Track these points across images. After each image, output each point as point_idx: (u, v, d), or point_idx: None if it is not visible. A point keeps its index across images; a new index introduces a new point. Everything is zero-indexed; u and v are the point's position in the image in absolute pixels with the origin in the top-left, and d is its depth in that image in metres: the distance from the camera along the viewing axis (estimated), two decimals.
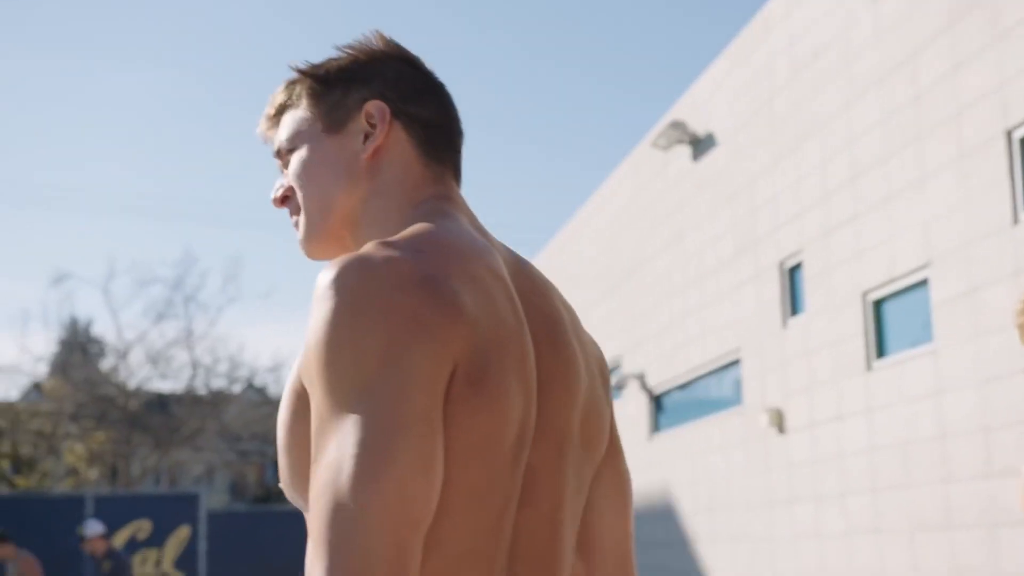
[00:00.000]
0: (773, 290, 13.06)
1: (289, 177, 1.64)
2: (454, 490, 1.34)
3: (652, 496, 16.42)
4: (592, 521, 1.65)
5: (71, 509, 23.07)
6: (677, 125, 15.29)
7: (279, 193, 1.66)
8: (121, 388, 35.59)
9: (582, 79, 75.44)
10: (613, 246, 18.22)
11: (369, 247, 1.38)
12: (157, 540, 23.33)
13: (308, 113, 1.63)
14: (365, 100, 1.61)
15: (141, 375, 36.28)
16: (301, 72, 1.65)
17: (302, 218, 1.63)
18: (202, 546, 26.52)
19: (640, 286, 17.04)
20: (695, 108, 15.31)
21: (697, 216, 15.12)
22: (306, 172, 1.61)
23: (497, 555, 1.40)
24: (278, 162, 1.68)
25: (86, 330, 40.87)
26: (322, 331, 1.30)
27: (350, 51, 1.65)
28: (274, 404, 39.78)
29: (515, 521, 1.44)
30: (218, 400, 37.09)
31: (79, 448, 36.65)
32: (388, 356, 1.28)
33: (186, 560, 24.15)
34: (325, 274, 1.34)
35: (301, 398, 1.46)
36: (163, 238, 67.47)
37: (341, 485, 1.23)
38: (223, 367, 37.42)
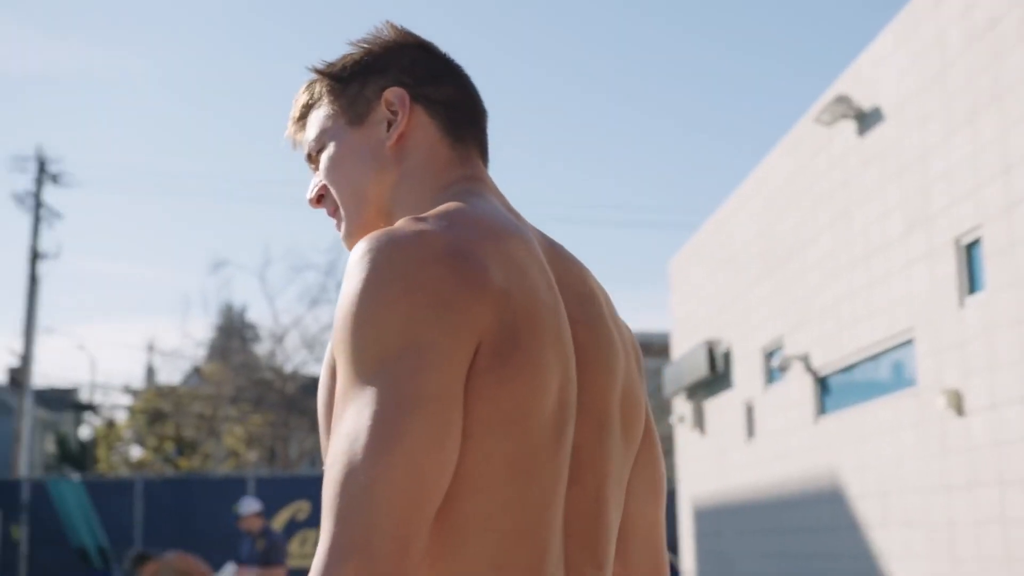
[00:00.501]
0: (948, 267, 12.68)
1: (321, 175, 1.65)
2: (493, 464, 1.35)
3: (818, 479, 16.14)
4: (628, 507, 1.66)
5: (233, 490, 23.60)
6: (842, 100, 14.96)
7: (314, 193, 1.67)
8: (278, 372, 36.30)
9: (738, 56, 74.50)
10: (772, 225, 17.93)
11: (401, 222, 1.40)
12: (316, 521, 23.72)
13: (330, 110, 1.65)
14: (383, 89, 1.62)
15: (297, 359, 36.98)
16: (318, 71, 1.67)
17: (341, 214, 1.65)
18: None
19: (802, 266, 16.74)
20: (860, 82, 14.96)
21: (863, 193, 14.79)
22: (336, 167, 1.62)
23: (551, 535, 1.40)
24: (310, 166, 1.69)
25: (242, 316, 41.81)
26: (348, 305, 1.33)
27: (363, 44, 1.66)
28: None
29: (567, 501, 1.45)
30: None
31: (238, 430, 37.53)
32: (407, 332, 1.29)
33: None
34: (356, 248, 1.36)
35: (334, 375, 1.46)
36: (316, 225, 68.69)
37: (354, 456, 1.26)
38: None
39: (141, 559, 11.64)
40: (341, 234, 1.66)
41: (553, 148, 72.83)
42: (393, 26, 1.67)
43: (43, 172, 33.00)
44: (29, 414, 32.29)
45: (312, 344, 36.69)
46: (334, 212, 1.67)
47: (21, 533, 23.73)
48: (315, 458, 38.31)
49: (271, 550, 10.49)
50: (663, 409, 36.27)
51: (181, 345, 62.40)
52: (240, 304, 38.98)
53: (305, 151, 1.70)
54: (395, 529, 1.24)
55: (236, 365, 37.33)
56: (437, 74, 1.64)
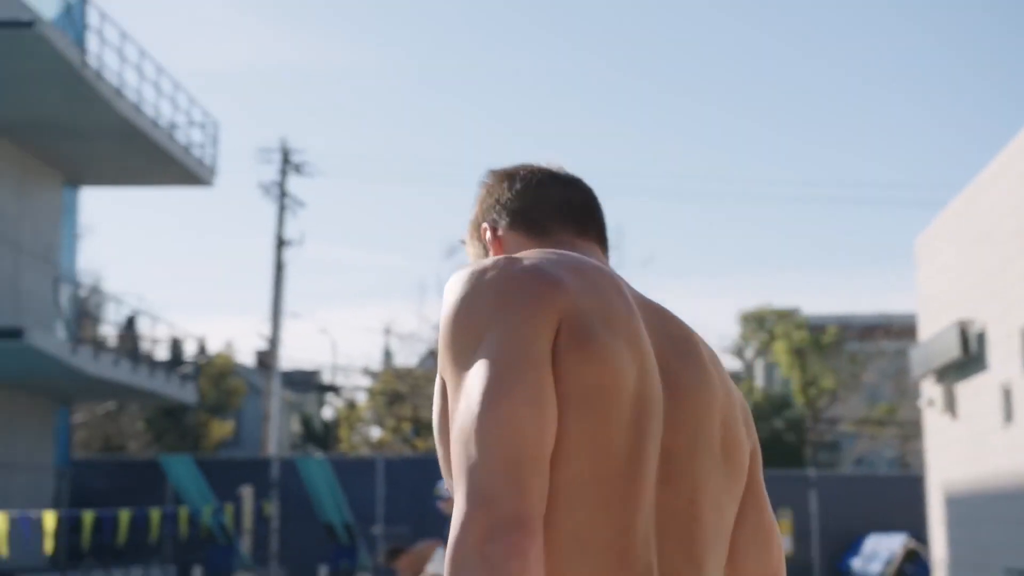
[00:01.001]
0: None
1: None
2: (574, 436, 1.50)
3: None
4: (736, 558, 1.75)
5: None
6: None
7: None
8: None
9: (989, 21, 71.35)
10: None
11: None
12: None
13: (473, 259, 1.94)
14: (481, 225, 1.91)
15: None
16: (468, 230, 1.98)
17: None
18: None
19: None
20: None
21: None
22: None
23: (635, 515, 1.51)
24: None
25: None
26: (447, 313, 1.58)
27: (478, 198, 1.95)
28: None
29: (657, 499, 1.56)
30: None
31: None
32: (497, 315, 1.53)
33: None
34: (454, 275, 1.62)
35: (445, 396, 1.64)
36: None
37: (468, 423, 1.46)
38: None
39: (395, 553, 11.83)
40: None
41: (794, 125, 71.25)
42: (493, 171, 1.95)
43: (287, 163, 34.11)
44: (277, 395, 33.48)
45: None
46: None
47: (272, 509, 24.59)
48: None
49: None
50: (909, 393, 35.03)
51: (418, 328, 63.73)
52: None
53: None
54: (513, 476, 1.43)
55: None
56: (519, 191, 1.90)
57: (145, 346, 27.85)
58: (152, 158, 24.02)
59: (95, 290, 29.54)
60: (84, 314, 26.72)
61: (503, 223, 1.89)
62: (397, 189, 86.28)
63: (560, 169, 1.95)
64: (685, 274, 71.75)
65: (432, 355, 41.16)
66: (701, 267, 72.37)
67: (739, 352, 43.74)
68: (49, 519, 15.43)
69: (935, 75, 72.42)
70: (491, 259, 1.64)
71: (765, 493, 1.79)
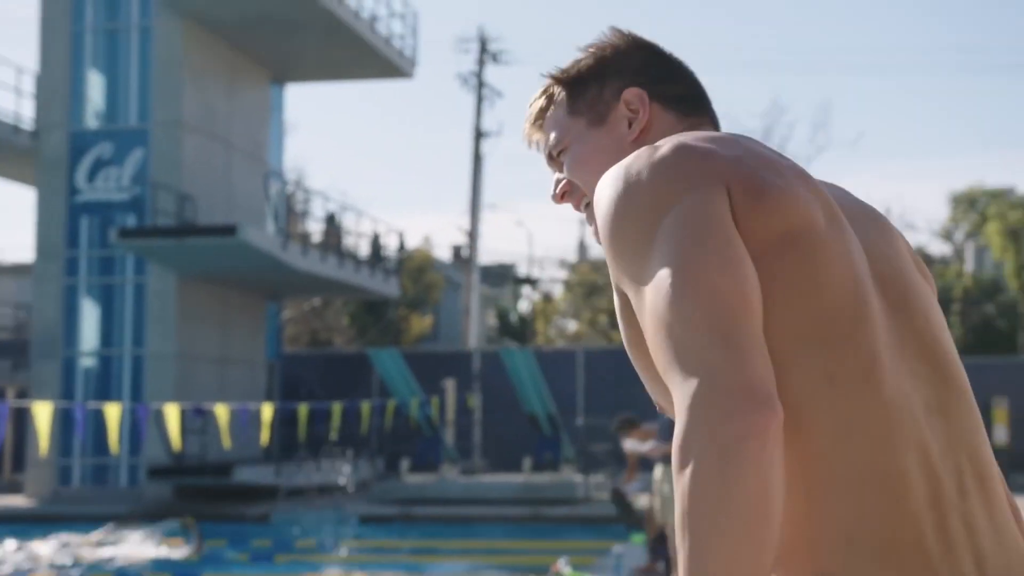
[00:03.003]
0: None
1: (568, 173, 1.73)
2: (785, 283, 1.39)
3: None
4: None
5: None
6: None
7: (559, 190, 1.76)
8: None
9: None
10: None
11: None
12: None
13: (569, 113, 1.73)
14: (621, 90, 1.71)
15: None
16: (555, 78, 1.76)
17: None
18: None
19: None
20: None
21: None
22: (583, 165, 1.71)
23: (873, 341, 1.40)
24: (551, 165, 1.78)
25: None
26: (604, 215, 1.46)
27: (594, 49, 1.75)
28: None
29: (892, 325, 1.44)
30: None
31: None
32: (661, 198, 1.41)
33: None
34: (603, 178, 1.51)
35: (623, 297, 1.51)
36: (751, 90, 67.56)
37: (661, 310, 1.33)
38: None
39: (629, 423, 11.78)
40: (592, 228, 1.73)
41: None
42: (619, 31, 1.77)
43: (484, 52, 33.88)
44: (476, 289, 33.70)
45: None
46: (579, 205, 1.75)
47: (475, 401, 24.84)
48: None
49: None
50: None
51: None
52: None
53: (545, 152, 1.78)
54: (728, 345, 1.28)
55: None
56: (667, 73, 1.74)
57: (348, 242, 28.22)
58: (354, 51, 24.07)
59: (300, 186, 30.03)
60: (290, 211, 27.19)
61: (657, 101, 1.71)
62: None
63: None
64: (894, 155, 69.37)
65: None
66: (910, 148, 69.90)
67: (948, 236, 42.17)
68: (267, 411, 15.78)
69: None
70: (632, 155, 1.52)
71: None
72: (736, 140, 1.54)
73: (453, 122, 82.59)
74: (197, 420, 20.47)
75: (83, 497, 21.36)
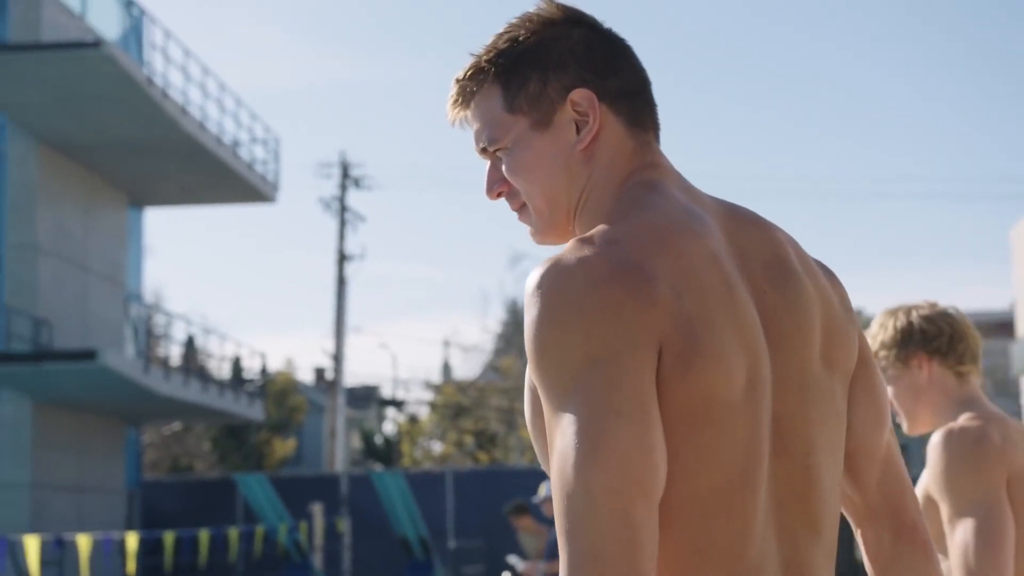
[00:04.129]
0: None
1: (508, 175, 1.62)
2: (687, 455, 1.42)
3: None
4: (851, 438, 1.64)
5: (531, 481, 23.64)
6: None
7: (496, 189, 1.65)
8: None
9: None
10: None
11: (568, 246, 1.47)
12: None
13: (508, 108, 1.59)
14: (567, 88, 1.57)
15: None
16: (489, 62, 1.59)
17: (531, 215, 1.65)
18: None
19: None
20: None
21: None
22: (527, 171, 1.60)
23: (751, 509, 1.45)
24: (482, 156, 1.66)
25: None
26: (530, 334, 1.42)
27: (530, 29, 1.59)
28: None
29: (773, 472, 1.48)
30: None
31: None
32: (591, 351, 1.38)
33: None
34: (530, 280, 1.44)
35: (533, 392, 1.55)
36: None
37: (568, 475, 1.35)
38: None
39: (521, 509, 11.76)
40: (530, 230, 1.68)
41: (881, 121, 70.33)
42: (556, 5, 1.61)
43: (346, 176, 34.01)
44: (342, 411, 33.35)
45: None
46: (520, 208, 1.65)
47: (344, 526, 24.41)
48: None
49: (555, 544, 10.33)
50: (1007, 389, 34.35)
51: (480, 340, 63.64)
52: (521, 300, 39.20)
53: (479, 145, 1.65)
54: (622, 534, 1.33)
55: None
56: (612, 61, 1.60)
57: (210, 365, 27.77)
58: (216, 175, 23.97)
59: (160, 309, 29.54)
60: (151, 334, 26.70)
61: (605, 102, 1.59)
62: (456, 199, 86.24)
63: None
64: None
65: (493, 368, 40.95)
66: None
67: None
68: (131, 540, 15.29)
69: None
70: (567, 258, 1.45)
71: (872, 359, 1.70)
72: (679, 244, 1.49)
73: (316, 245, 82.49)
74: (56, 551, 19.71)
75: None
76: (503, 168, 1.64)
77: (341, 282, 33.40)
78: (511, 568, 11.98)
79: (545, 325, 1.42)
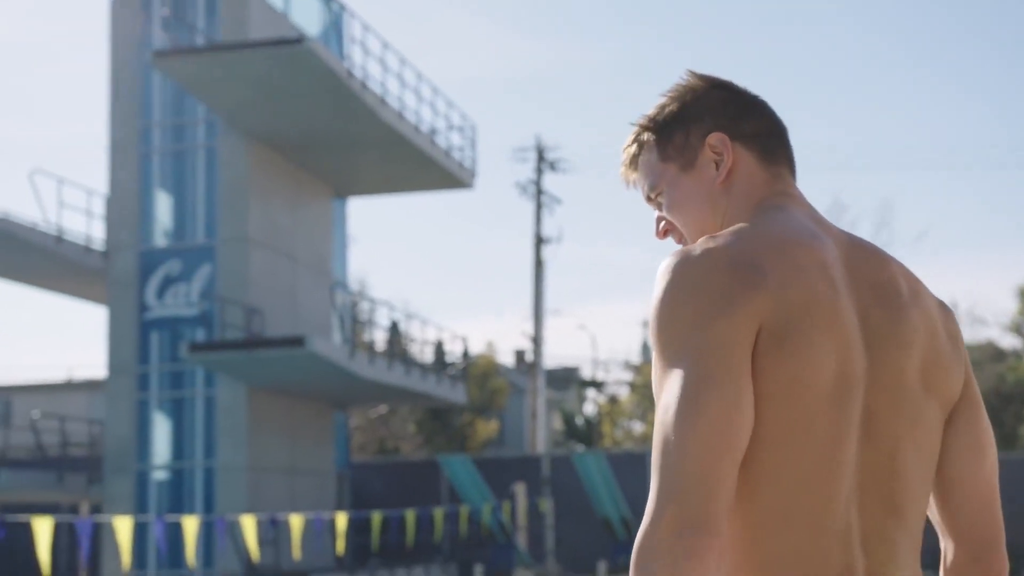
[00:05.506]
0: None
1: (667, 214, 1.95)
2: (773, 427, 1.66)
3: None
4: (948, 466, 1.83)
5: None
6: None
7: (661, 227, 1.99)
8: None
9: None
10: None
11: (699, 241, 1.76)
12: None
13: (661, 159, 1.93)
14: (706, 135, 1.89)
15: None
16: (643, 126, 1.95)
17: (688, 243, 1.94)
18: None
19: None
20: None
21: None
22: (679, 208, 1.93)
23: (834, 484, 1.68)
24: (649, 204, 1.99)
25: None
26: (654, 307, 1.71)
27: (675, 95, 1.93)
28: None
29: (860, 458, 1.71)
30: None
31: None
32: (696, 324, 1.65)
33: None
34: (662, 264, 1.73)
35: None
36: (812, 190, 67.47)
37: (667, 424, 1.63)
38: None
39: None
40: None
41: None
42: (695, 74, 1.95)
43: (542, 160, 34.28)
44: (542, 393, 33.69)
45: None
46: (680, 240, 1.97)
47: (547, 505, 24.70)
48: None
49: None
50: None
51: None
52: None
53: (644, 194, 1.98)
54: (702, 478, 1.58)
55: None
56: (745, 110, 1.92)
57: (413, 349, 28.39)
58: (414, 164, 24.49)
59: (364, 296, 30.35)
60: (356, 320, 27.46)
61: (738, 141, 1.90)
62: None
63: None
64: (959, 249, 68.82)
65: None
66: (976, 240, 69.32)
67: (1018, 329, 41.63)
68: (341, 520, 15.81)
69: None
70: (694, 249, 1.73)
71: (980, 402, 1.87)
72: (790, 249, 1.74)
73: (513, 229, 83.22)
74: (271, 531, 20.54)
75: None
76: (663, 209, 1.97)
77: (539, 265, 33.71)
78: None
79: (666, 300, 1.70)
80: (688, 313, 1.67)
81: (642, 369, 41.25)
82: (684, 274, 1.70)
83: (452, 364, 32.28)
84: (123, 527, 12.11)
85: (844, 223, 62.35)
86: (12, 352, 76.27)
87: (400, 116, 22.74)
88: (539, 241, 33.75)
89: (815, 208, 1.90)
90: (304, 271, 24.06)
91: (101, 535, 20.15)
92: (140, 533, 20.86)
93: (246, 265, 22.09)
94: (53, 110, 78.12)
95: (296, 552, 16.65)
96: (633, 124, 1.98)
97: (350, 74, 20.90)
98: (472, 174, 26.47)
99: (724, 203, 1.90)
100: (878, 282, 1.81)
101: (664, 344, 1.69)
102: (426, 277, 76.06)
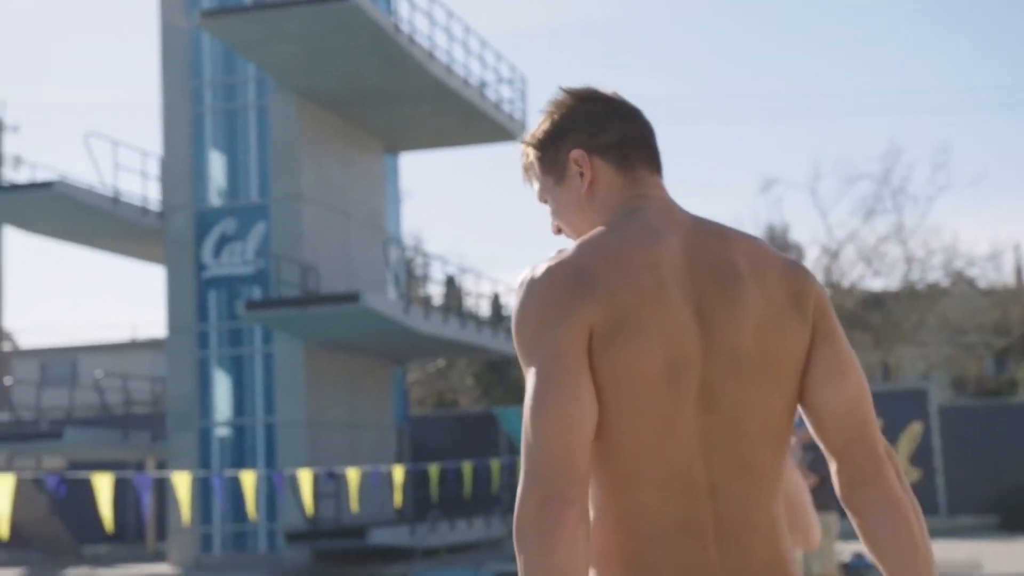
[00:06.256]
0: None
1: (553, 218, 2.31)
2: (615, 409, 2.02)
3: None
4: (812, 393, 2.11)
5: None
6: None
7: (555, 230, 2.33)
8: (835, 288, 35.60)
9: None
10: None
11: (550, 257, 2.12)
12: (889, 437, 22.98)
13: (542, 172, 2.29)
14: (570, 150, 2.22)
15: (854, 274, 36.03)
16: (528, 143, 2.30)
17: (573, 238, 2.30)
18: (936, 442, 25.84)
19: None
20: None
21: None
22: (559, 215, 2.28)
23: (673, 449, 2.03)
24: (542, 202, 2.33)
25: (784, 235, 41.43)
26: (512, 318, 2.10)
27: (548, 113, 2.27)
28: (995, 295, 37.85)
29: (703, 425, 2.04)
30: (935, 294, 35.93)
31: None
32: (538, 333, 2.03)
33: (920, 456, 23.62)
34: (519, 277, 2.11)
35: None
36: (868, 134, 66.85)
37: (525, 419, 2.01)
38: (937, 259, 36.16)
39: None
40: None
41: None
42: (565, 90, 2.28)
43: None
44: None
45: (869, 258, 35.57)
46: (569, 236, 2.31)
47: None
48: (878, 373, 37.24)
49: (816, 463, 10.31)
50: None
51: None
52: (782, 223, 38.30)
53: (536, 197, 2.34)
54: (555, 459, 1.96)
55: None
56: (604, 123, 2.23)
57: (469, 303, 28.48)
58: (464, 117, 24.50)
59: (419, 251, 30.49)
60: (410, 275, 27.59)
61: (596, 154, 2.22)
62: (701, 130, 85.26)
63: (624, 99, 2.28)
64: (1017, 192, 67.78)
65: None
66: None
67: None
68: (398, 473, 16.00)
69: None
70: (543, 264, 2.09)
71: (839, 331, 2.15)
72: (627, 256, 2.06)
73: None
74: (330, 484, 20.82)
75: (224, 564, 21.82)
76: (550, 213, 2.33)
77: None
78: None
79: (518, 310, 2.08)
80: (532, 324, 2.05)
81: None
82: (530, 290, 2.07)
83: (508, 317, 32.35)
84: (182, 483, 12.34)
85: (901, 166, 61.66)
86: (79, 313, 77.42)
87: (449, 70, 22.74)
88: None
89: (670, 201, 2.21)
90: (358, 227, 24.20)
91: (166, 490, 20.51)
92: (204, 488, 21.24)
93: (300, 222, 22.26)
94: (107, 73, 78.80)
95: (354, 505, 16.87)
96: (520, 141, 2.36)
97: (397, 29, 20.90)
98: (522, 126, 26.42)
99: (590, 209, 2.23)
100: (717, 263, 2.10)
101: (520, 350, 2.07)
102: (480, 231, 76.18)
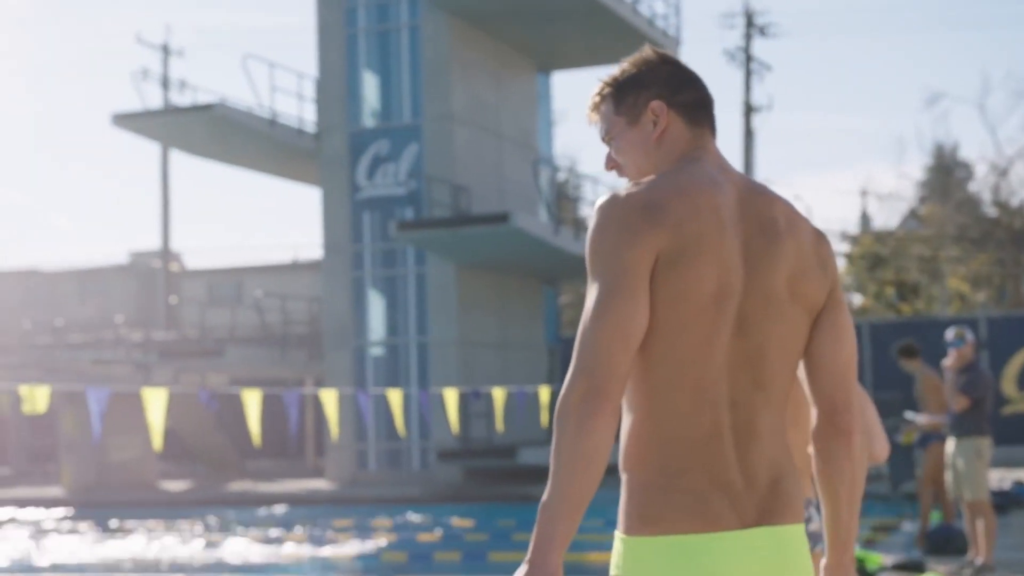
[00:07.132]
0: None
1: (614, 154, 2.66)
2: (666, 323, 2.39)
3: None
4: (813, 350, 2.54)
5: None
6: None
7: (608, 164, 2.69)
8: (1003, 207, 34.32)
9: None
10: None
11: (626, 186, 2.49)
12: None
13: (615, 112, 2.62)
14: (650, 100, 2.59)
15: (1023, 193, 34.67)
16: (606, 83, 2.63)
17: (628, 176, 2.66)
18: None
19: None
20: None
21: None
22: (623, 153, 2.63)
23: (709, 364, 2.42)
24: (604, 141, 2.67)
25: (953, 153, 40.04)
26: (588, 236, 2.44)
27: (634, 64, 2.61)
28: None
29: (733, 347, 2.44)
30: None
31: (962, 271, 36.09)
32: (612, 251, 2.38)
33: None
34: (598, 201, 2.47)
35: None
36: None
37: (584, 321, 2.37)
38: None
39: (909, 351, 11.22)
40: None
41: None
42: (653, 49, 2.62)
43: (751, 26, 33.34)
44: None
45: None
46: (623, 175, 2.65)
47: None
48: None
49: (969, 385, 9.78)
50: None
51: (897, 187, 61.41)
52: (951, 142, 36.99)
53: (600, 136, 2.65)
54: (604, 360, 2.32)
55: (956, 204, 35.73)
56: (682, 84, 2.59)
57: None
58: (617, 34, 24.12)
59: (572, 172, 30.34)
60: (562, 196, 27.48)
61: (673, 108, 2.56)
62: (864, 43, 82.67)
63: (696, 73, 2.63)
64: None
65: (914, 216, 39.40)
66: None
67: None
68: (544, 393, 16.05)
69: None
70: (619, 193, 2.42)
71: (844, 300, 2.54)
72: (693, 194, 2.42)
73: (722, 98, 80.00)
74: (479, 404, 21.03)
75: (379, 480, 22.30)
76: (612, 150, 2.66)
77: (748, 134, 33.02)
78: (909, 422, 11.62)
79: (595, 230, 2.41)
80: (608, 244, 2.38)
81: (860, 240, 40.17)
82: (608, 212, 2.41)
83: None
84: (330, 400, 12.55)
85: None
86: (243, 234, 79.45)
87: None
88: (748, 110, 33.01)
89: (725, 159, 2.59)
90: (509, 147, 24.15)
91: (323, 409, 20.98)
92: (358, 406, 21.66)
93: (452, 143, 22.31)
94: None
95: (500, 425, 17.00)
96: (599, 80, 2.65)
97: None
98: (677, 43, 25.95)
99: (656, 153, 2.58)
100: (763, 217, 2.48)
101: (591, 265, 2.40)
102: None
